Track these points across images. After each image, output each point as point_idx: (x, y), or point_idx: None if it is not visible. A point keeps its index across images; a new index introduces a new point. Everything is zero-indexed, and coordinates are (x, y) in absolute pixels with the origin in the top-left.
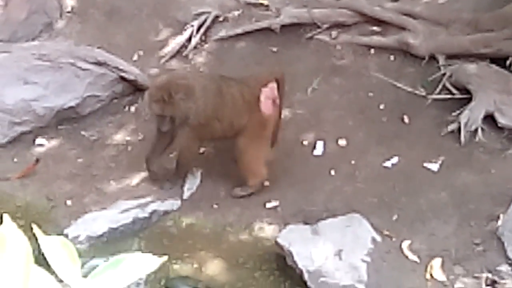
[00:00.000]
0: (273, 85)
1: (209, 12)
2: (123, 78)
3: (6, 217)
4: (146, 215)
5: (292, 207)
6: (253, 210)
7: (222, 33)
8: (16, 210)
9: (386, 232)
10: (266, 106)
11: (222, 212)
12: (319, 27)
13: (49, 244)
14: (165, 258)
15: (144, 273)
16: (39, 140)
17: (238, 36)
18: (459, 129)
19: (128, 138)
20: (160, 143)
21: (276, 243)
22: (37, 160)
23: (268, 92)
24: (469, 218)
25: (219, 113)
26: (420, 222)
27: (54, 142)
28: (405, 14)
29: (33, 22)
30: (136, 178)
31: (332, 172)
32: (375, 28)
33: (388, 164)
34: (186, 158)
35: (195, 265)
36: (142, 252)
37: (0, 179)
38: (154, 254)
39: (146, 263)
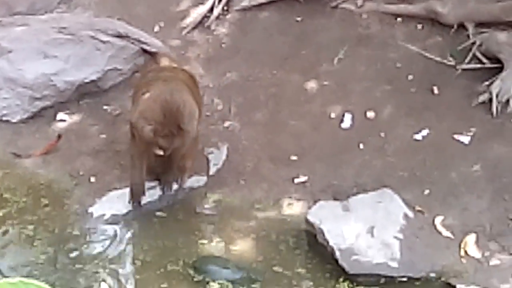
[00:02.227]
0: None
1: None
2: (145, 51)
3: (104, 285)
4: (172, 192)
5: (321, 182)
6: (281, 185)
7: (245, 3)
8: (39, 187)
9: (418, 208)
10: None
11: (249, 188)
12: None
13: None
14: None
15: None
16: (60, 116)
17: (261, 5)
18: (490, 99)
19: None
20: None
21: (307, 220)
22: (59, 136)
23: None
24: (503, 192)
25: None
26: (452, 197)
27: (75, 117)
28: None
29: None
30: (160, 151)
31: (361, 146)
32: None
33: (418, 136)
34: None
35: (223, 243)
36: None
37: (22, 156)
38: (180, 232)
39: None
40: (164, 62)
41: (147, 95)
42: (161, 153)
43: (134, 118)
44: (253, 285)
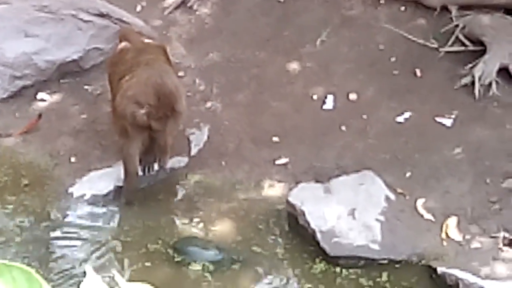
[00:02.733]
0: None
1: None
2: None
3: (88, 268)
4: (153, 172)
5: (302, 164)
6: (262, 167)
7: None
8: (19, 167)
9: (400, 190)
10: None
11: (230, 169)
12: None
13: None
14: None
15: None
16: (41, 95)
17: None
18: (472, 82)
19: None
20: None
21: (288, 202)
22: (40, 116)
23: None
24: (485, 175)
25: None
26: (434, 180)
27: (56, 97)
28: None
29: None
30: None
31: (343, 128)
32: None
33: (400, 119)
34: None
35: (204, 224)
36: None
37: (2, 135)
38: (161, 213)
39: None
40: (134, 38)
41: (134, 79)
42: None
43: (122, 104)
44: (233, 266)
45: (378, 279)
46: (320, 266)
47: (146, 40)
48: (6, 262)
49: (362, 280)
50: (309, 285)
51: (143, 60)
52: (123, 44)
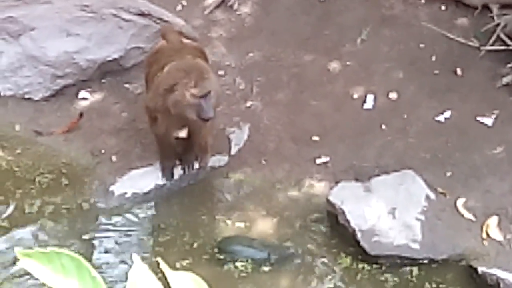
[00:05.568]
0: None
1: None
2: None
3: (135, 257)
4: (193, 171)
5: (342, 163)
6: (302, 166)
7: None
8: (61, 166)
9: (440, 189)
10: None
11: (270, 168)
12: None
13: (179, 280)
14: None
15: None
16: (82, 94)
17: None
18: None
19: None
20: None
21: (328, 201)
22: (81, 114)
23: None
24: None
25: None
26: (475, 179)
27: (97, 96)
28: None
29: None
30: (183, 132)
31: (383, 127)
32: None
33: (440, 118)
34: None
35: (244, 223)
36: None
37: (44, 134)
38: (201, 211)
39: None
40: (172, 38)
41: (161, 76)
42: (184, 135)
43: (157, 99)
44: (274, 265)
45: (416, 279)
46: (360, 264)
47: (185, 41)
48: (56, 249)
49: (401, 279)
50: (350, 284)
51: (175, 59)
52: (160, 43)
